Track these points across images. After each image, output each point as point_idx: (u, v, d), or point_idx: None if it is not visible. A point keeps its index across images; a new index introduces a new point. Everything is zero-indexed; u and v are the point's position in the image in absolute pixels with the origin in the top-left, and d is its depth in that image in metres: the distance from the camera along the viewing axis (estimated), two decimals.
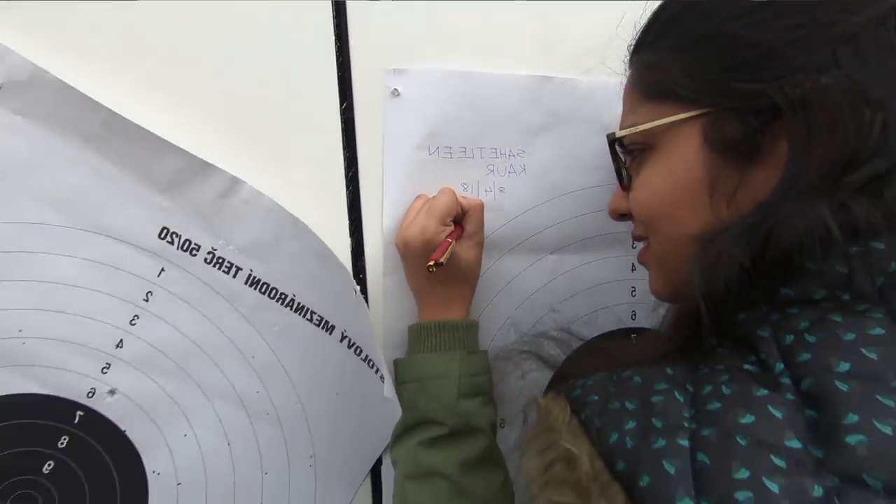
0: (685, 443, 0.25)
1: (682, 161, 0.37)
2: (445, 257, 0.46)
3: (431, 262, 0.46)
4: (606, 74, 0.48)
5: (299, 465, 0.55)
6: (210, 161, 0.48)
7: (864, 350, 0.25)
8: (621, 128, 0.41)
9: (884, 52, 0.31)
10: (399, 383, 0.52)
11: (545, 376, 0.53)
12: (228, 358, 0.52)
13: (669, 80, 0.37)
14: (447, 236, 0.48)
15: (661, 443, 0.26)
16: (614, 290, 0.58)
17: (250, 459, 0.54)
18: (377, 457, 0.57)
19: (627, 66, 0.42)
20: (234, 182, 0.48)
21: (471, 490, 0.47)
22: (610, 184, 0.51)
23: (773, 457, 0.23)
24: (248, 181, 0.49)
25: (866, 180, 0.28)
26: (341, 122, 0.52)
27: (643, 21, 0.40)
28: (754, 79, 0.33)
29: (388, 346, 0.54)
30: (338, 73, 0.51)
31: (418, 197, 0.52)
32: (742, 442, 0.24)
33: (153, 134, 0.46)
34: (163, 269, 0.50)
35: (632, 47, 0.42)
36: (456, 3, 0.52)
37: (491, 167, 0.54)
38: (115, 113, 0.46)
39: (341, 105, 0.52)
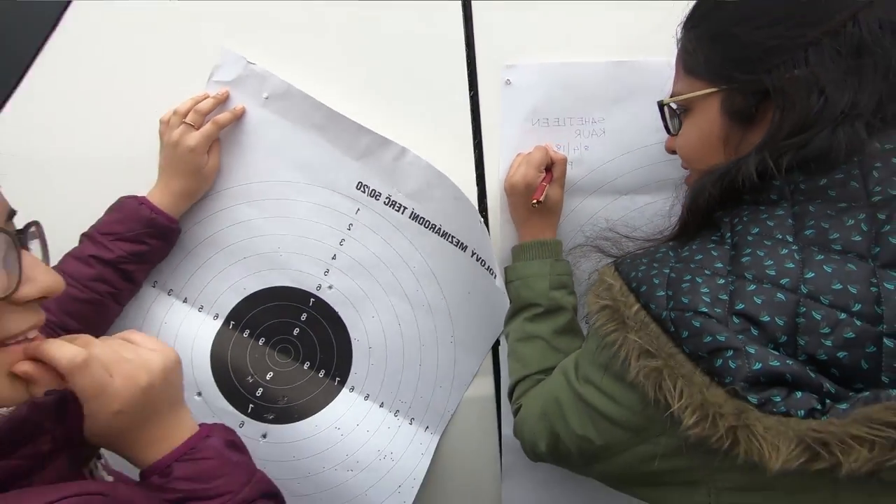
0: (667, 272, 0.46)
1: (707, 122, 0.54)
2: (543, 196, 0.68)
3: (535, 201, 0.68)
4: (665, 55, 0.65)
5: (444, 341, 0.82)
6: (386, 136, 0.73)
7: (768, 222, 0.44)
8: (671, 95, 0.58)
9: (840, 54, 0.46)
10: (508, 282, 0.74)
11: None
12: (398, 267, 0.79)
13: (698, 64, 0.54)
14: (542, 181, 0.70)
15: (672, 275, 0.46)
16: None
17: (412, 335, 0.81)
18: (496, 336, 0.81)
19: (677, 41, 0.57)
20: (402, 150, 0.73)
21: (559, 347, 0.68)
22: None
23: (706, 272, 0.44)
24: (409, 148, 0.74)
25: (803, 142, 0.45)
26: (470, 104, 0.74)
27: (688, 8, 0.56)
28: (752, 70, 0.49)
29: (500, 259, 0.78)
30: (467, 69, 0.73)
31: (518, 154, 0.74)
32: (692, 266, 0.45)
33: (353, 121, 0.72)
34: (358, 209, 0.77)
35: (678, 30, 0.57)
36: (552, 7, 0.71)
37: (578, 132, 0.73)
38: (331, 110, 0.72)
39: (470, 91, 0.74)
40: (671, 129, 0.60)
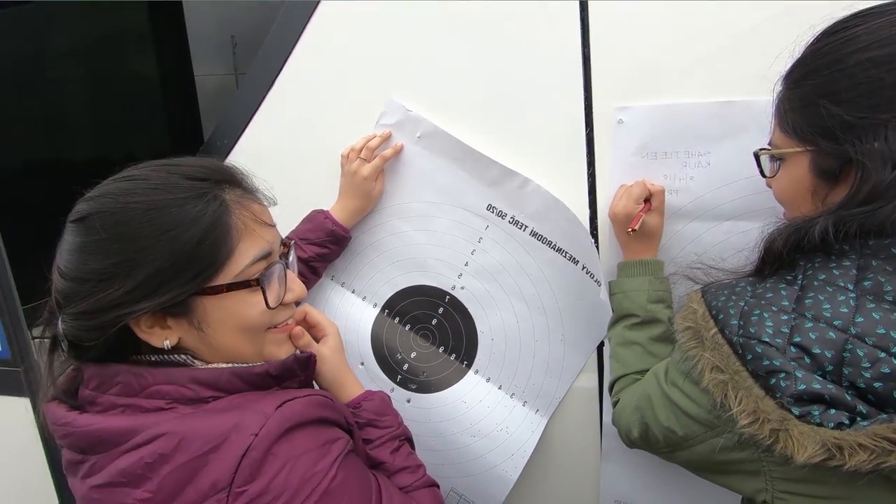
0: (742, 304, 0.55)
1: (797, 175, 0.60)
2: (638, 225, 0.79)
3: (630, 229, 0.79)
4: (768, 95, 0.71)
5: (555, 338, 0.96)
6: (513, 168, 0.89)
7: (835, 271, 0.53)
8: (769, 143, 0.65)
9: None
10: (611, 294, 0.85)
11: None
12: (519, 274, 0.94)
13: (792, 124, 0.60)
14: (640, 211, 0.80)
15: (745, 308, 0.55)
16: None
17: (528, 331, 0.97)
18: (601, 339, 0.93)
19: (775, 95, 0.63)
20: (525, 180, 0.88)
21: (654, 352, 0.78)
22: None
23: (773, 308, 0.53)
24: (532, 178, 0.89)
25: (871, 211, 0.51)
26: (586, 139, 0.86)
27: (788, 62, 0.61)
28: (835, 139, 0.55)
29: (606, 272, 0.89)
30: (584, 109, 0.85)
31: (621, 186, 0.84)
32: (763, 302, 0.54)
33: (485, 156, 0.89)
34: (487, 226, 0.94)
35: (777, 85, 0.63)
36: (663, 52, 0.80)
37: (684, 163, 0.82)
38: (467, 146, 0.89)
39: (587, 129, 0.86)
40: (766, 174, 0.67)
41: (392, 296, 1.02)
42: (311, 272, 0.97)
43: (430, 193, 0.96)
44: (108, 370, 0.57)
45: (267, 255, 0.59)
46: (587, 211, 0.89)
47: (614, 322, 0.85)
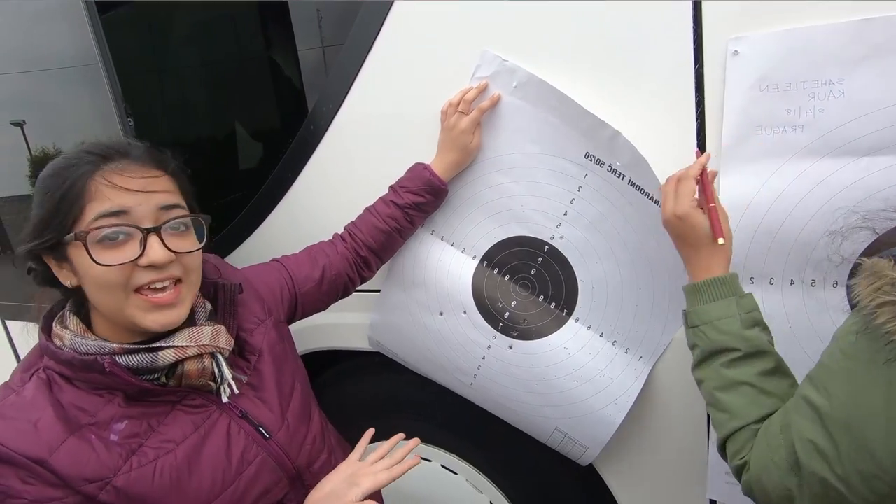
0: None
1: None
2: (726, 232, 0.69)
3: (719, 239, 0.69)
4: None
5: (658, 287, 0.93)
6: (614, 111, 0.85)
7: None
8: None
9: None
10: (690, 327, 0.72)
11: None
12: (619, 222, 0.92)
13: None
14: (711, 213, 0.70)
15: None
16: None
17: (631, 279, 0.95)
18: None
19: None
20: (616, 133, 0.85)
21: (770, 390, 0.63)
22: None
23: None
24: (635, 118, 0.85)
25: None
26: (695, 76, 0.81)
27: None
28: None
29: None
30: (693, 42, 0.79)
31: (667, 181, 0.76)
32: None
33: (578, 104, 0.86)
34: (587, 174, 0.92)
35: None
36: None
37: (812, 95, 0.74)
38: (562, 93, 0.87)
39: (695, 64, 0.80)
40: None
41: (491, 247, 1.04)
42: (407, 220, 1.02)
43: (528, 144, 0.95)
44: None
45: (115, 214, 0.64)
46: (696, 154, 0.84)
47: (702, 360, 0.70)
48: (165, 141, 1.27)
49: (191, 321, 0.74)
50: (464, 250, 1.07)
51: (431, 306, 1.11)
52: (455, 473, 1.24)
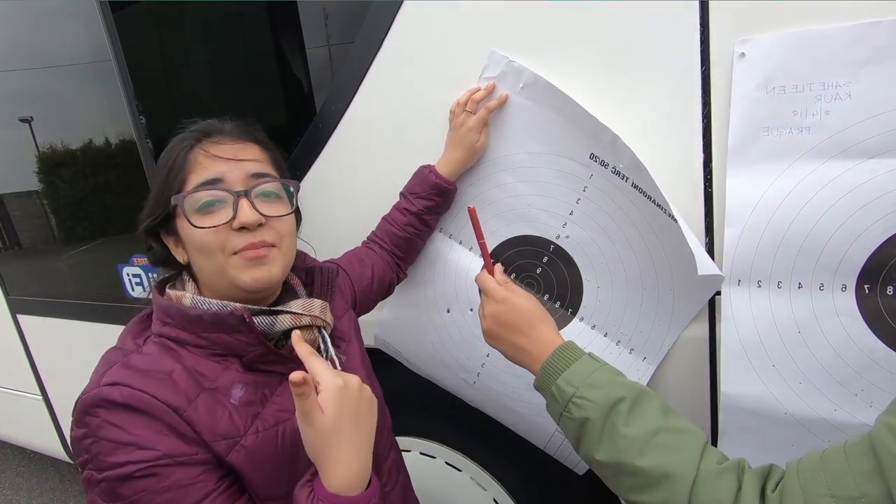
0: None
1: None
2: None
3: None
4: None
5: (664, 288, 0.94)
6: (621, 113, 0.86)
7: None
8: None
9: None
10: (569, 402, 0.61)
11: None
12: (625, 223, 0.93)
13: None
14: (483, 252, 0.77)
15: None
16: None
17: (635, 279, 0.95)
18: (714, 290, 0.89)
19: None
20: (615, 137, 0.85)
21: (682, 426, 0.57)
22: None
23: None
24: (636, 119, 0.86)
25: None
26: (701, 77, 0.81)
27: None
28: None
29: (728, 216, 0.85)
30: (700, 44, 0.80)
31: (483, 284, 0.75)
32: None
33: (580, 106, 0.87)
34: (592, 175, 0.93)
35: None
36: None
37: (818, 97, 0.74)
38: (565, 94, 0.88)
39: (702, 66, 0.81)
40: None
41: (496, 247, 1.05)
42: (422, 223, 1.03)
43: (534, 144, 0.96)
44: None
45: (211, 182, 0.67)
46: (702, 156, 0.84)
47: (601, 437, 0.58)
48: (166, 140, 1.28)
49: (294, 296, 0.76)
50: (471, 248, 1.08)
51: (439, 303, 1.11)
52: (459, 470, 1.25)
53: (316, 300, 0.74)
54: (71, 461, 1.92)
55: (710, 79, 0.81)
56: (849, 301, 0.77)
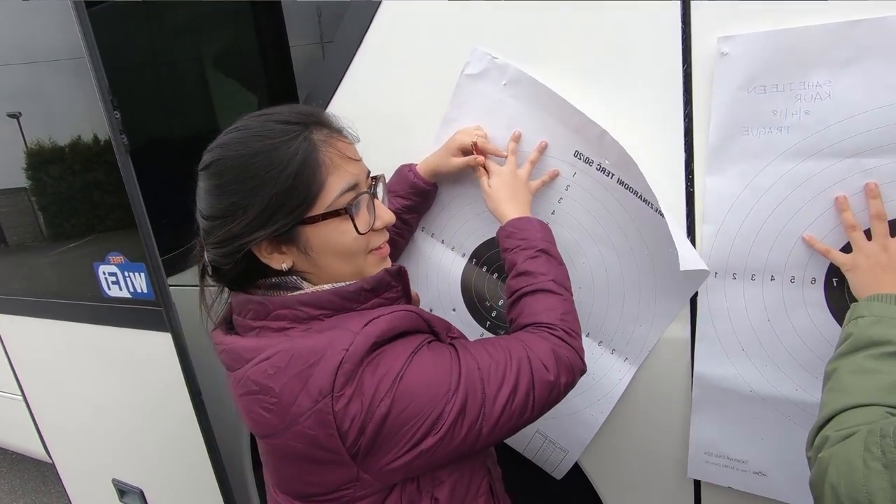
0: None
1: None
2: None
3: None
4: None
5: (646, 286, 0.93)
6: (603, 110, 0.85)
7: None
8: None
9: None
10: (855, 318, 0.66)
11: None
12: (607, 221, 0.92)
13: None
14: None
15: None
16: None
17: (617, 278, 0.94)
18: (694, 290, 0.89)
19: None
20: (603, 132, 0.84)
21: None
22: None
23: None
24: (618, 118, 0.85)
25: None
26: (683, 76, 0.81)
27: None
28: None
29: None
30: (682, 42, 0.79)
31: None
32: None
33: (567, 102, 0.86)
34: (575, 173, 0.92)
35: None
36: None
37: (797, 96, 0.74)
38: (551, 91, 0.87)
39: (683, 65, 0.80)
40: None
41: (479, 246, 1.04)
42: (402, 222, 1.02)
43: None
44: (243, 299, 0.68)
45: (354, 187, 0.66)
46: (683, 155, 0.84)
47: (848, 352, 0.63)
48: (155, 136, 1.27)
49: None
50: (453, 248, 1.07)
51: (422, 304, 1.10)
52: None
53: None
54: (51, 461, 1.89)
55: (691, 77, 0.80)
56: (817, 293, 0.79)
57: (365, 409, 0.59)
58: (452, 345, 0.69)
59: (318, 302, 0.65)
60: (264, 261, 0.66)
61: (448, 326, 0.75)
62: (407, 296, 0.74)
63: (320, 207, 0.64)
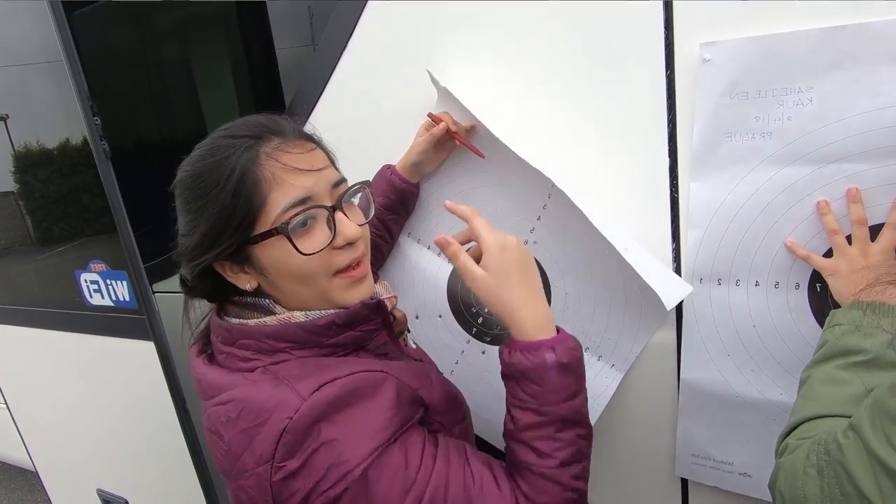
0: None
1: None
2: None
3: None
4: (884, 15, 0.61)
5: (632, 293, 0.92)
6: (584, 118, 0.85)
7: None
8: None
9: None
10: (832, 326, 0.65)
11: None
12: (591, 232, 0.92)
13: None
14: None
15: None
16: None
17: (603, 287, 0.93)
18: (681, 298, 0.88)
19: None
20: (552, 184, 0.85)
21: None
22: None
23: None
24: (602, 124, 0.84)
25: None
26: (666, 81, 0.80)
27: None
28: None
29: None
30: (665, 47, 0.79)
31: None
32: None
33: (514, 153, 0.85)
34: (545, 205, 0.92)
35: None
36: None
37: (780, 102, 0.73)
38: (501, 143, 0.86)
39: (667, 70, 0.80)
40: None
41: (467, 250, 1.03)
42: (383, 225, 1.01)
43: (500, 150, 0.94)
44: (215, 322, 0.66)
45: (302, 202, 0.59)
46: (667, 160, 0.83)
47: (822, 361, 0.63)
48: (136, 140, 1.25)
49: None
50: (439, 254, 1.06)
51: (408, 310, 1.09)
52: None
53: (382, 281, 0.76)
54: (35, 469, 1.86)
55: (674, 83, 0.80)
56: (801, 298, 0.80)
57: (310, 488, 0.54)
58: (434, 442, 0.61)
59: (284, 335, 0.61)
60: (231, 280, 0.64)
61: (427, 372, 0.69)
62: (388, 327, 0.68)
63: (264, 226, 0.59)
